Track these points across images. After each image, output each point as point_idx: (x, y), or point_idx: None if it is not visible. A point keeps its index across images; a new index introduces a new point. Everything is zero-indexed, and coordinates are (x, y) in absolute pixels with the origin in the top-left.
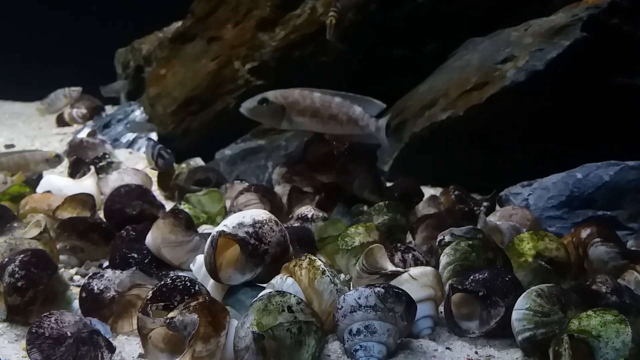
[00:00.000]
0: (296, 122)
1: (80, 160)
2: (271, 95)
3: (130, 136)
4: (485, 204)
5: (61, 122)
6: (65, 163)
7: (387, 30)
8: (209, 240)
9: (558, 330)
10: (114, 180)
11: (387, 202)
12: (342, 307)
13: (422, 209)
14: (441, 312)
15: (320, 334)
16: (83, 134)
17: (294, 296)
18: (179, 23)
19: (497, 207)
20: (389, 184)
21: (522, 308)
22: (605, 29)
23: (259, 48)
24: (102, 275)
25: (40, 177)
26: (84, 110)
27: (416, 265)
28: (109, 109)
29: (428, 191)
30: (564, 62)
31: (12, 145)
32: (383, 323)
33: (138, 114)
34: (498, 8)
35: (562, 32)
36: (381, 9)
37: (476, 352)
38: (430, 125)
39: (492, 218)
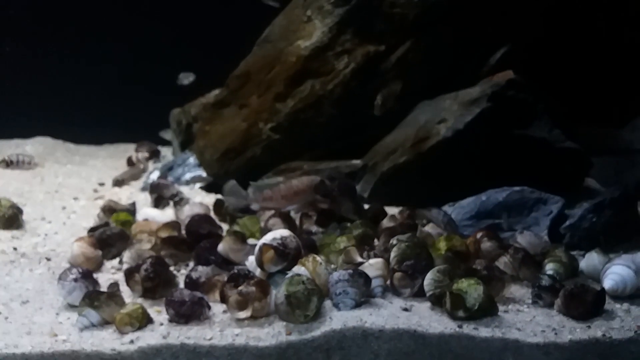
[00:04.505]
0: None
1: (160, 197)
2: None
3: (188, 176)
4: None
5: (130, 163)
6: (149, 198)
7: (364, 99)
8: (257, 247)
9: (446, 290)
10: (187, 210)
11: (361, 221)
12: (331, 281)
13: (386, 223)
14: (388, 284)
15: (320, 295)
16: (154, 176)
17: (305, 276)
18: (217, 91)
19: None
20: (366, 206)
21: (429, 278)
22: (504, 99)
23: (276, 113)
24: (197, 269)
25: (135, 209)
26: (146, 154)
27: (375, 258)
28: (163, 150)
29: (392, 210)
30: (477, 123)
31: (102, 184)
32: (353, 288)
33: (192, 160)
34: (443, 79)
35: (476, 102)
36: (359, 85)
37: (406, 304)
38: (393, 166)
39: (427, 228)
